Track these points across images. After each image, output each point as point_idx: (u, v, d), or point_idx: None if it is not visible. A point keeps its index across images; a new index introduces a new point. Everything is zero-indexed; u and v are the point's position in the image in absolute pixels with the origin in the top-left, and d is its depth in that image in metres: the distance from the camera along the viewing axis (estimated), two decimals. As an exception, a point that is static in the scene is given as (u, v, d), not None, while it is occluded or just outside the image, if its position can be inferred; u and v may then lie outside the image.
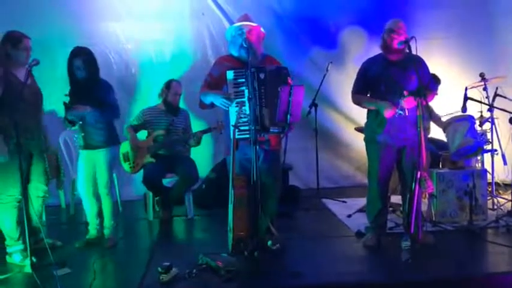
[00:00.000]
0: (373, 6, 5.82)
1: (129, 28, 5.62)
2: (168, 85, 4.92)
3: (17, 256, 3.70)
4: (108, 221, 4.10)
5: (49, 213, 4.91)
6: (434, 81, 4.88)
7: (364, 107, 3.97)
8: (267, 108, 3.46)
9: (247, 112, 3.41)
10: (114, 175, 5.10)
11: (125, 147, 4.88)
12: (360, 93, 3.92)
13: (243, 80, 3.48)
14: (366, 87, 3.89)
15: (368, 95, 3.90)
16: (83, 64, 3.82)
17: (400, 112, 3.57)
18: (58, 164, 5.11)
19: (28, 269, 3.39)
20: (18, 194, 3.55)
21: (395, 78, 3.73)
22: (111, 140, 4.02)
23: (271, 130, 3.50)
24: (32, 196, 3.82)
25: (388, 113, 3.66)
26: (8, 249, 3.74)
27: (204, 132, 4.87)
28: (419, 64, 3.74)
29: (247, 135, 3.43)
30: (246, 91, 3.45)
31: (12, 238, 3.71)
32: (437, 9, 5.93)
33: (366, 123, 4.00)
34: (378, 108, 3.75)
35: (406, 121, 3.68)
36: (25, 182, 3.73)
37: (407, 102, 3.57)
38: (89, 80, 3.85)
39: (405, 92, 3.55)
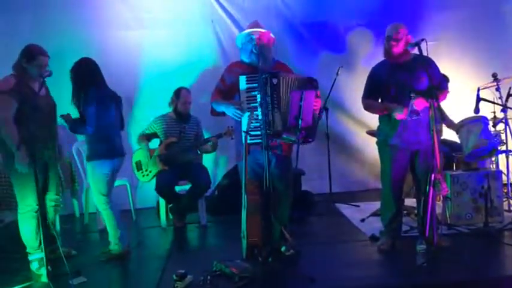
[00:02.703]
0: (382, 8, 5.81)
1: (138, 36, 5.66)
2: (178, 94, 4.94)
3: (35, 264, 3.75)
4: (111, 236, 4.01)
5: (63, 222, 4.95)
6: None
7: (374, 113, 3.96)
8: (280, 113, 3.46)
9: (259, 117, 3.42)
10: (127, 184, 5.14)
11: (137, 156, 4.92)
12: (370, 98, 3.91)
13: (256, 85, 3.49)
14: (376, 92, 3.88)
15: (379, 100, 3.89)
16: (70, 73, 3.90)
17: (415, 116, 3.54)
18: (72, 173, 5.16)
19: (44, 279, 3.42)
20: (35, 203, 3.60)
21: (404, 81, 3.71)
22: (95, 154, 3.90)
23: (284, 136, 3.49)
24: (47, 205, 3.93)
25: (399, 115, 3.64)
26: (29, 257, 3.79)
27: (218, 137, 4.87)
28: (429, 65, 3.71)
29: (259, 140, 3.44)
30: (259, 96, 3.46)
31: (32, 247, 3.76)
32: (447, 10, 5.90)
33: (379, 127, 3.98)
34: (390, 112, 3.73)
35: (419, 124, 3.66)
36: (42, 191, 3.82)
37: (419, 104, 3.55)
38: (73, 89, 3.89)
39: (412, 95, 3.53)
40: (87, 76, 3.88)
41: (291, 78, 3.53)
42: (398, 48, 3.70)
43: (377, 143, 4.00)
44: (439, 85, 3.75)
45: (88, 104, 3.81)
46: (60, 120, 3.92)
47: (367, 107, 3.95)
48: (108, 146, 3.94)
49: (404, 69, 3.74)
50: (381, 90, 3.84)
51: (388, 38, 3.73)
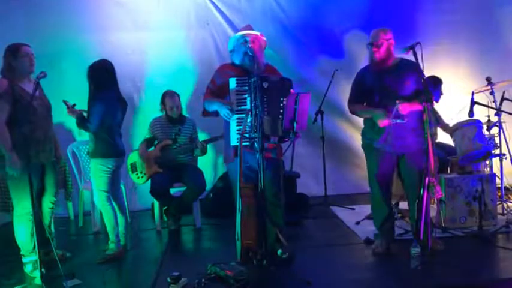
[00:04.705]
0: (379, 12, 5.81)
1: (134, 39, 5.64)
2: (162, 101, 4.94)
3: (29, 266, 3.74)
4: (109, 233, 4.05)
5: (58, 225, 4.92)
6: (435, 83, 4.87)
7: (359, 116, 3.97)
8: (269, 117, 3.46)
9: (248, 120, 3.42)
10: (122, 185, 5.12)
11: (132, 157, 4.90)
12: (355, 102, 3.92)
13: (246, 88, 3.50)
14: (361, 96, 3.88)
15: (364, 104, 3.89)
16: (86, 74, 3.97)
17: (399, 120, 3.55)
18: (66, 175, 5.14)
19: (38, 281, 3.40)
20: (31, 206, 3.58)
21: (389, 86, 3.71)
22: (99, 152, 3.97)
23: (271, 140, 3.51)
24: (44, 207, 3.93)
25: (381, 123, 3.65)
26: (23, 259, 3.78)
27: (210, 141, 4.88)
28: (415, 69, 3.69)
29: (247, 143, 3.45)
30: (249, 99, 3.46)
31: (27, 249, 3.75)
32: (442, 14, 5.92)
33: (363, 130, 3.99)
34: (373, 118, 3.73)
35: (404, 128, 3.66)
36: (38, 194, 3.83)
37: (404, 108, 3.56)
38: (89, 91, 3.95)
39: (397, 101, 3.54)
40: (100, 78, 3.95)
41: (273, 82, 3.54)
42: (379, 54, 3.71)
43: (362, 146, 4.00)
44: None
45: (95, 103, 3.89)
46: (56, 119, 3.94)
47: (352, 111, 3.97)
48: (113, 146, 4.01)
49: (389, 74, 3.73)
50: (366, 95, 3.84)
51: (369, 45, 3.75)
